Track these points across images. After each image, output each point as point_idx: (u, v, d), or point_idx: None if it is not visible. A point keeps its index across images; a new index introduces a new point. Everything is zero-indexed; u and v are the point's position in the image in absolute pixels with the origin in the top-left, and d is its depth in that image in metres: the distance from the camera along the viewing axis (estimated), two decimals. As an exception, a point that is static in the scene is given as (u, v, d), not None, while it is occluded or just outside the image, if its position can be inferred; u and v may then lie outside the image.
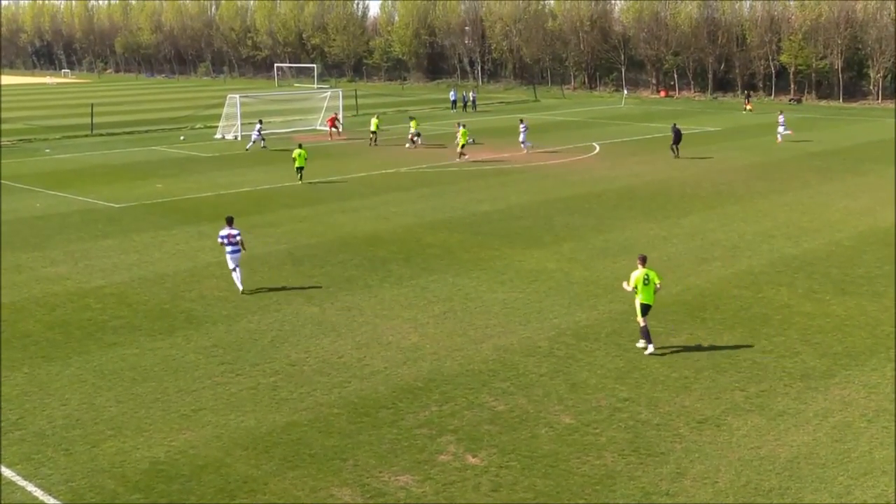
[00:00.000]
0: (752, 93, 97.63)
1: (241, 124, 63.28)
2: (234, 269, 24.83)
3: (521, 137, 53.87)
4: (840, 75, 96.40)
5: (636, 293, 20.02)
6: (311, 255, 28.94)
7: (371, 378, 18.53)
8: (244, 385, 18.23)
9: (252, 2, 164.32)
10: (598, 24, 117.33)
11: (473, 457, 15.02)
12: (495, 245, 29.95)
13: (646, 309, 20.01)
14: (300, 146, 44.00)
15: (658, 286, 20.17)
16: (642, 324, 20.02)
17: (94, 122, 69.52)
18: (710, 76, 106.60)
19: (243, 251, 24.87)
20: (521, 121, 56.23)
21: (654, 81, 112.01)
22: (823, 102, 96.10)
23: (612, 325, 21.73)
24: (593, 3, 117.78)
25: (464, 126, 52.77)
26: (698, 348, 20.12)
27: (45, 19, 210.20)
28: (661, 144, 57.85)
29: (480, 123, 72.39)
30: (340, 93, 71.85)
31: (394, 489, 14.00)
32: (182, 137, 63.72)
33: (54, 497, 13.82)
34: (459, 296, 24.24)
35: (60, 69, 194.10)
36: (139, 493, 13.93)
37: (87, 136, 66.27)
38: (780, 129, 58.40)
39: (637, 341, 20.34)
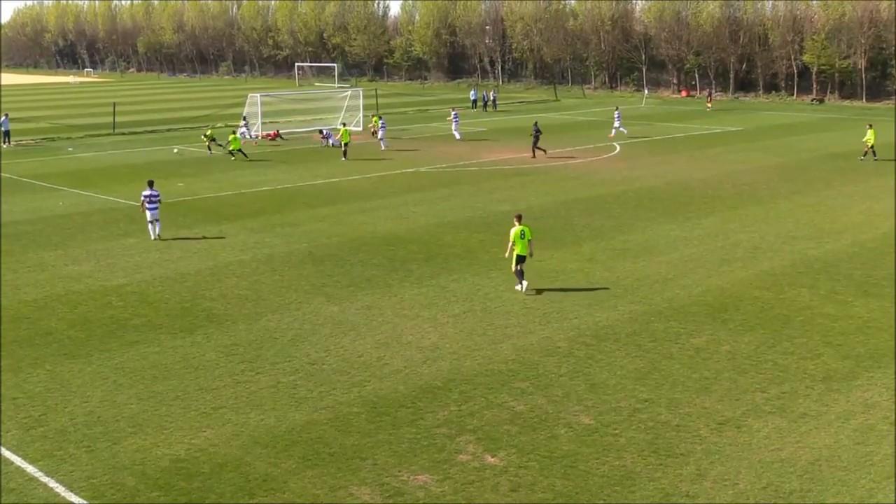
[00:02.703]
0: (712, 90, 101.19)
1: (262, 123, 63.57)
2: (155, 222, 31.02)
3: (379, 134, 56.34)
4: (863, 75, 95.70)
5: (514, 246, 24.04)
6: (331, 254, 29.00)
7: (390, 377, 18.55)
8: (264, 383, 18.29)
9: (273, 1, 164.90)
10: (619, 24, 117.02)
11: (492, 457, 15.01)
12: (515, 245, 29.87)
13: (521, 259, 24.23)
14: (234, 132, 53.69)
15: (531, 240, 24.30)
16: (514, 269, 24.32)
17: (116, 121, 69.94)
18: (732, 76, 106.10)
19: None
20: (380, 117, 59.10)
21: (675, 81, 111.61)
22: (846, 102, 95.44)
23: (633, 325, 21.66)
24: (614, 2, 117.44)
25: (345, 125, 56.28)
26: (719, 349, 20.02)
27: (69, 19, 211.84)
28: (682, 145, 57.71)
29: (500, 123, 72.40)
30: (361, 92, 71.96)
31: (412, 488, 14.01)
32: (203, 137, 63.94)
33: (76, 494, 13.91)
34: (479, 296, 24.23)
35: (83, 68, 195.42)
36: (159, 491, 14.01)
37: (109, 134, 66.67)
38: (616, 123, 62.08)
39: (655, 342, 20.34)
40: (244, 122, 61.93)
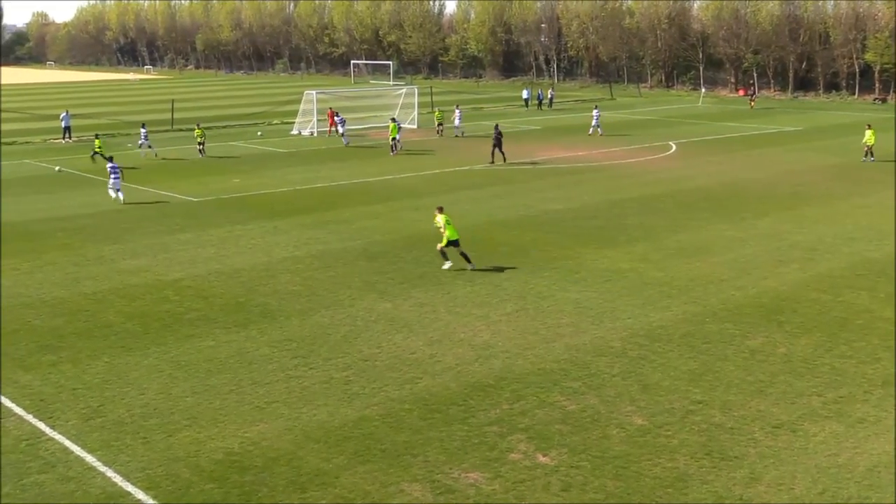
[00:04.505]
0: (756, 90, 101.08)
1: (318, 120, 64.04)
2: (119, 191, 37.80)
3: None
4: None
5: (445, 233, 25.90)
6: (384, 251, 29.11)
7: (442, 375, 18.58)
8: (317, 379, 18.42)
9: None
10: (676, 22, 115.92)
11: (544, 456, 14.97)
12: (568, 244, 29.79)
13: (455, 243, 25.98)
14: (97, 136, 53.26)
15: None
16: (439, 248, 26.23)
17: (174, 117, 70.86)
18: (791, 75, 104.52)
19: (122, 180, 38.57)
20: (394, 119, 57.10)
21: (732, 80, 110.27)
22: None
23: (686, 326, 21.45)
24: (671, 0, 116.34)
25: (394, 120, 55.63)
26: (775, 352, 19.75)
27: (130, 17, 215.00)
28: (738, 144, 57.03)
29: (555, 121, 72.10)
30: (416, 90, 72.12)
31: (463, 486, 14.02)
32: (259, 133, 64.62)
33: (132, 484, 14.14)
34: (532, 294, 24.17)
35: (143, 66, 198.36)
36: (213, 483, 14.18)
37: (167, 131, 67.56)
38: (594, 122, 62.36)
39: (709, 343, 20.16)
40: (144, 130, 54.91)
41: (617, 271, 26.45)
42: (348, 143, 57.14)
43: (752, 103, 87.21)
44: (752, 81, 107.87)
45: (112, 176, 38.19)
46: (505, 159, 48.48)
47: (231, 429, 16.09)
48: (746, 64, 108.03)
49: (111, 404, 17.24)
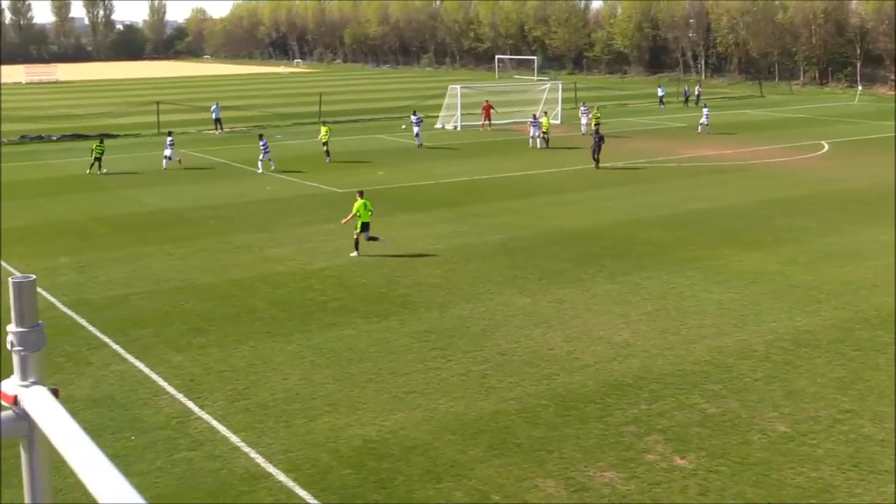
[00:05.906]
0: None
1: (462, 114, 64.45)
2: (269, 161, 45.23)
3: (532, 132, 53.92)
4: None
5: (358, 217, 27.18)
6: (523, 246, 29.10)
7: (580, 372, 18.46)
8: (454, 371, 18.57)
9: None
10: (832, 17, 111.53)
11: (681, 458, 14.70)
12: (712, 244, 29.13)
13: (366, 226, 27.37)
14: (101, 139, 49.40)
15: (372, 211, 27.59)
16: (355, 237, 27.38)
17: (321, 110, 72.49)
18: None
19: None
20: (535, 116, 55.41)
21: (893, 78, 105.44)
22: None
23: (835, 332, 20.68)
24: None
25: (546, 113, 56.68)
26: (931, 363, 18.84)
27: (282, 12, 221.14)
28: (898, 144, 54.57)
29: (698, 118, 70.50)
30: (560, 85, 71.73)
31: (598, 485, 13.90)
32: (403, 127, 65.43)
33: (274, 465, 14.58)
34: (673, 294, 23.74)
35: (293, 59, 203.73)
36: (351, 469, 14.48)
37: (314, 123, 69.06)
38: (703, 120, 60.48)
39: (860, 350, 19.38)
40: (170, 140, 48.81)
41: (762, 273, 25.71)
42: (421, 144, 54.80)
43: None
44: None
45: (264, 152, 44.80)
46: (597, 164, 45.38)
47: (369, 417, 16.39)
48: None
49: (255, 388, 17.81)
